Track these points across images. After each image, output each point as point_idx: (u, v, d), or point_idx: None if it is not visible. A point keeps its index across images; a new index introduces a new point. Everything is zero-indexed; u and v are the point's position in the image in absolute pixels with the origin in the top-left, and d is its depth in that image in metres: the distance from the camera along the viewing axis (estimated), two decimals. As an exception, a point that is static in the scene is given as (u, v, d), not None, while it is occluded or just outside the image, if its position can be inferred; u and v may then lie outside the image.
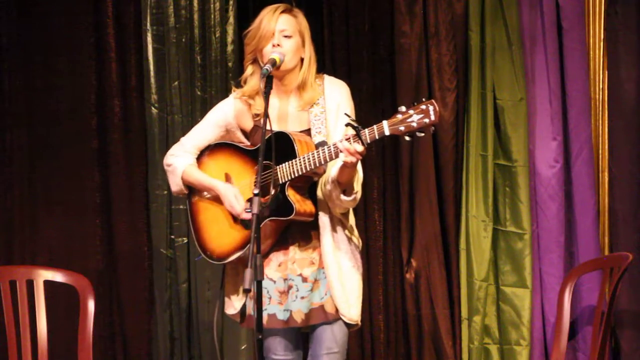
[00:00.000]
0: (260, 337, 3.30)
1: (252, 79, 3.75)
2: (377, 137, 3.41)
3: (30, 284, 4.37)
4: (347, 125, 3.40)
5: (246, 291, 3.22)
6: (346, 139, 3.43)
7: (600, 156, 5.04)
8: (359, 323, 3.74)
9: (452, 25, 5.08)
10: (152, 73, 5.20)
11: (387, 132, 3.40)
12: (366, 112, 5.06)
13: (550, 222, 5.01)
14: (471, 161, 5.07)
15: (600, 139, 5.04)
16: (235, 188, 3.69)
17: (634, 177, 4.97)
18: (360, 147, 3.41)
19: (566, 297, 4.69)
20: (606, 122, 5.02)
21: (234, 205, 3.66)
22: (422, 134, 3.39)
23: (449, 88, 5.08)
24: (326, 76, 3.78)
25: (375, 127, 3.41)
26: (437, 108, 3.37)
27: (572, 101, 5.00)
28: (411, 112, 3.38)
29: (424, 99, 3.40)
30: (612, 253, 4.96)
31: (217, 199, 3.75)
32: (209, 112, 3.88)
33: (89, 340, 4.29)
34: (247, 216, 3.57)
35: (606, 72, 5.02)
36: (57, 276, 4.42)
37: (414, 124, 3.37)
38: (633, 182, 4.97)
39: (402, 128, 3.38)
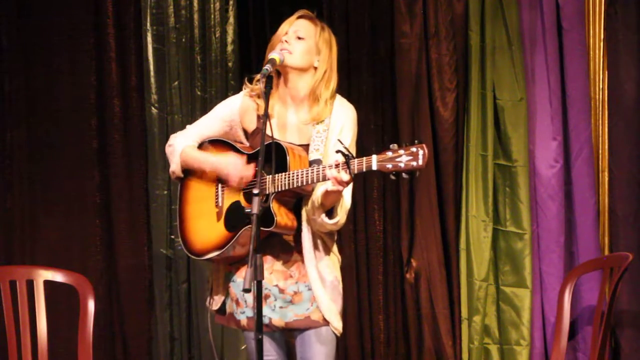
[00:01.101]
0: (260, 337, 3.30)
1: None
2: (364, 170, 3.40)
3: (30, 284, 4.37)
4: (338, 152, 3.40)
5: (245, 291, 3.22)
6: (335, 166, 3.43)
7: (600, 156, 5.04)
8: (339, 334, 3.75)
9: (452, 25, 5.08)
10: (152, 73, 5.20)
11: (374, 167, 3.38)
12: (366, 112, 5.07)
13: (550, 222, 5.02)
14: (471, 161, 5.07)
15: (600, 139, 5.04)
16: (229, 157, 3.68)
17: (634, 177, 4.97)
18: (346, 177, 3.40)
19: (566, 297, 4.69)
20: (606, 122, 5.03)
21: (238, 168, 3.63)
22: (408, 177, 3.37)
23: (449, 88, 5.08)
24: (338, 96, 3.77)
25: (364, 159, 3.40)
26: (427, 153, 3.34)
27: (572, 101, 5.00)
28: (401, 152, 3.36)
29: (416, 141, 3.38)
30: (612, 253, 4.96)
31: (205, 194, 3.75)
32: (217, 105, 3.88)
33: (89, 340, 4.29)
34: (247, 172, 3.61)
35: (606, 72, 5.02)
36: (57, 276, 4.42)
37: (402, 165, 3.36)
38: (633, 182, 4.97)
39: (389, 166, 3.37)
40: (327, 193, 3.49)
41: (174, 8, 5.19)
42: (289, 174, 3.53)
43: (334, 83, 3.72)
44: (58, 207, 5.18)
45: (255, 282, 3.24)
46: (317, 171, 3.48)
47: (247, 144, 3.77)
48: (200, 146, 3.82)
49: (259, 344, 3.31)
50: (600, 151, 5.04)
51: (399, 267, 5.16)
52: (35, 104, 5.18)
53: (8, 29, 5.17)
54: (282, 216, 3.59)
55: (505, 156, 5.08)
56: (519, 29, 5.04)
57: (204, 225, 3.74)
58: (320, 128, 3.67)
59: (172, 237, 5.19)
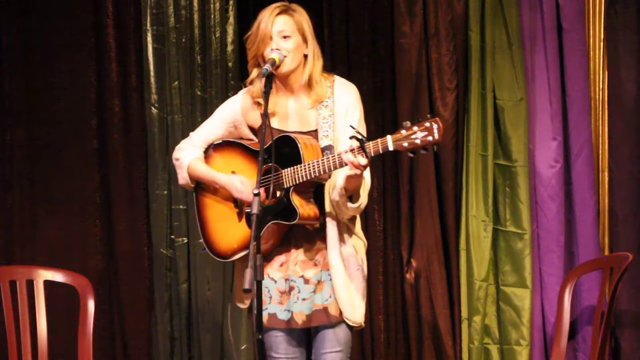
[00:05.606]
0: (260, 337, 3.30)
1: (258, 81, 3.72)
2: (380, 152, 3.41)
3: (30, 284, 4.37)
4: (352, 137, 3.40)
5: (246, 291, 3.21)
6: (350, 151, 3.43)
7: (600, 156, 5.04)
8: (362, 324, 3.75)
9: (452, 25, 5.08)
10: (152, 73, 5.20)
11: (390, 147, 3.40)
12: (366, 112, 5.03)
13: (550, 222, 5.02)
14: (471, 161, 5.07)
15: (600, 139, 5.04)
16: (239, 176, 3.68)
17: (634, 177, 4.97)
18: (363, 160, 3.42)
19: (566, 297, 4.69)
20: (606, 122, 5.03)
21: (242, 190, 3.65)
22: (425, 152, 3.39)
23: (449, 88, 5.08)
24: (337, 77, 3.76)
25: (379, 141, 3.42)
26: (442, 126, 3.36)
27: (572, 101, 5.00)
28: (415, 128, 3.38)
29: (428, 116, 3.39)
30: (612, 253, 4.97)
31: (223, 195, 3.75)
32: (218, 108, 3.88)
33: (89, 340, 4.29)
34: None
35: (606, 72, 5.02)
36: (57, 276, 4.42)
37: (418, 141, 3.37)
38: (633, 182, 4.97)
39: (405, 144, 3.38)
40: (347, 178, 3.49)
41: (174, 8, 5.18)
42: (305, 165, 3.54)
43: (320, 59, 3.72)
44: (58, 207, 5.18)
45: (255, 282, 3.24)
46: (334, 158, 3.50)
47: (256, 140, 3.76)
48: (208, 151, 3.82)
49: (260, 345, 3.30)
50: (600, 151, 5.04)
51: (399, 267, 5.16)
52: (35, 104, 5.18)
53: (8, 28, 5.18)
54: (303, 207, 3.60)
55: (505, 156, 5.08)
56: (519, 29, 5.04)
57: (226, 227, 3.74)
58: (325, 113, 3.68)
59: (172, 237, 5.18)
